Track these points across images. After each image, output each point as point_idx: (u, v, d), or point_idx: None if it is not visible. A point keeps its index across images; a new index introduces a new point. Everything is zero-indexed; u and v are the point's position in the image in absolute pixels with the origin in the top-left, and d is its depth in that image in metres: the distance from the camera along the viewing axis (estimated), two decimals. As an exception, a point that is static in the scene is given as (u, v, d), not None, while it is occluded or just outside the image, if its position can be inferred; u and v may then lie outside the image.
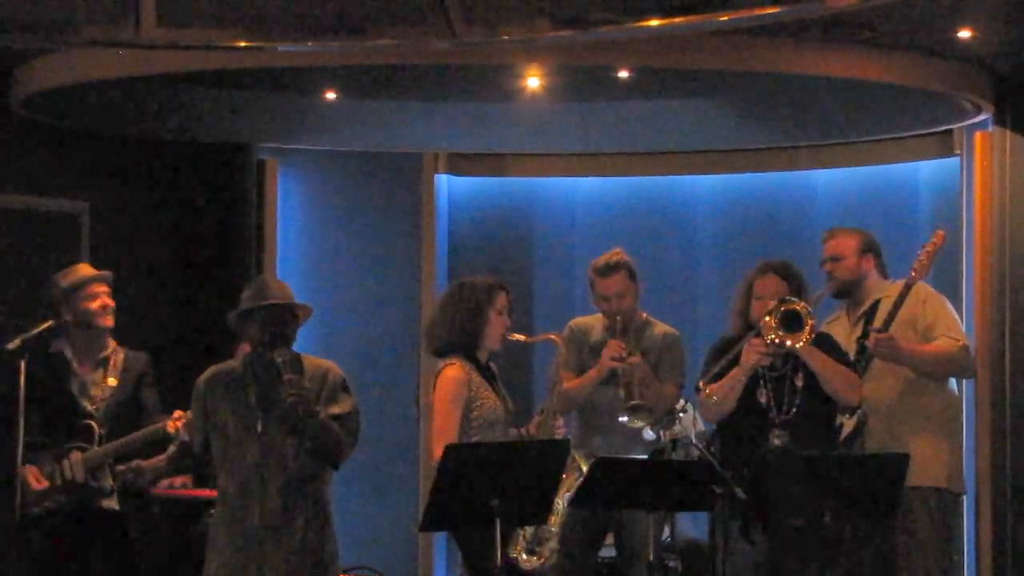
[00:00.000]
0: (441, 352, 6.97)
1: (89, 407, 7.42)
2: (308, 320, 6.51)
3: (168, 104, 8.95)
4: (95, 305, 7.45)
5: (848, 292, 7.64)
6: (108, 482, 7.38)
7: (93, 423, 7.39)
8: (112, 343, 7.56)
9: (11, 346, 7.19)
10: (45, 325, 7.36)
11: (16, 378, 7.08)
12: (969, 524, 8.51)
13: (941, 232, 7.66)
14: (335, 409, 6.38)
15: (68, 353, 7.44)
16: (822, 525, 6.34)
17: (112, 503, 7.41)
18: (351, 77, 8.69)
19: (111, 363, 7.50)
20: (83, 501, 7.36)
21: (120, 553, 7.50)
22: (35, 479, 7.27)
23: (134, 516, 7.62)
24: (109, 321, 7.49)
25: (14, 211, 8.99)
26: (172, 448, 7.02)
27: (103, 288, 7.50)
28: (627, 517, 7.31)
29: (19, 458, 7.11)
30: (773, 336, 6.79)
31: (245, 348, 8.01)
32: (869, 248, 7.66)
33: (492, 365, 7.02)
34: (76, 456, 7.34)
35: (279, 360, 6.26)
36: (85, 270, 7.60)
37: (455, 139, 9.67)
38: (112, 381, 7.48)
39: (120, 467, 7.40)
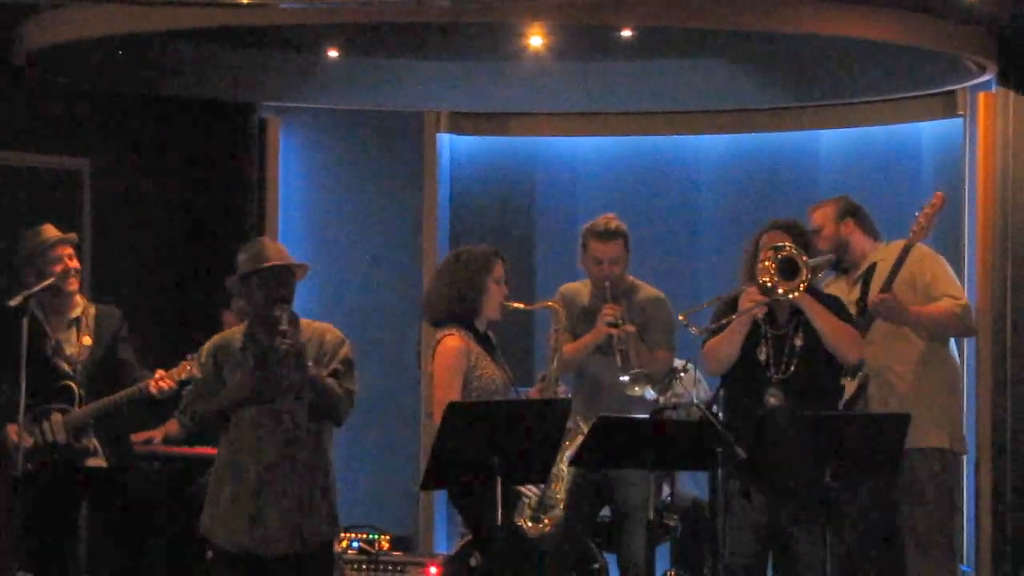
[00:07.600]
0: (439, 322, 6.90)
1: (66, 368, 7.40)
2: (305, 278, 6.50)
3: (170, 62, 8.93)
4: (59, 268, 7.39)
5: (838, 259, 7.63)
6: (92, 442, 7.37)
7: (72, 384, 7.38)
8: (81, 301, 7.51)
9: (14, 302, 7.20)
10: (48, 282, 7.34)
11: (19, 334, 7.09)
12: (969, 484, 8.52)
13: (940, 194, 7.61)
14: (333, 366, 6.38)
15: (39, 314, 7.35)
16: (822, 485, 6.34)
17: (98, 461, 7.40)
18: (353, 35, 8.66)
19: (83, 322, 7.46)
20: (68, 462, 7.35)
21: (113, 510, 7.50)
22: (16, 435, 7.22)
23: (132, 475, 7.63)
24: (73, 284, 7.44)
25: (16, 168, 8.98)
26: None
27: (67, 251, 7.43)
28: (621, 476, 7.29)
29: (20, 417, 7.12)
30: (767, 279, 6.75)
31: (229, 316, 8.03)
32: (847, 212, 7.64)
33: (491, 335, 6.97)
34: (56, 418, 7.33)
35: (278, 314, 6.25)
36: (49, 232, 7.48)
37: (457, 98, 9.64)
38: (87, 340, 7.44)
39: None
